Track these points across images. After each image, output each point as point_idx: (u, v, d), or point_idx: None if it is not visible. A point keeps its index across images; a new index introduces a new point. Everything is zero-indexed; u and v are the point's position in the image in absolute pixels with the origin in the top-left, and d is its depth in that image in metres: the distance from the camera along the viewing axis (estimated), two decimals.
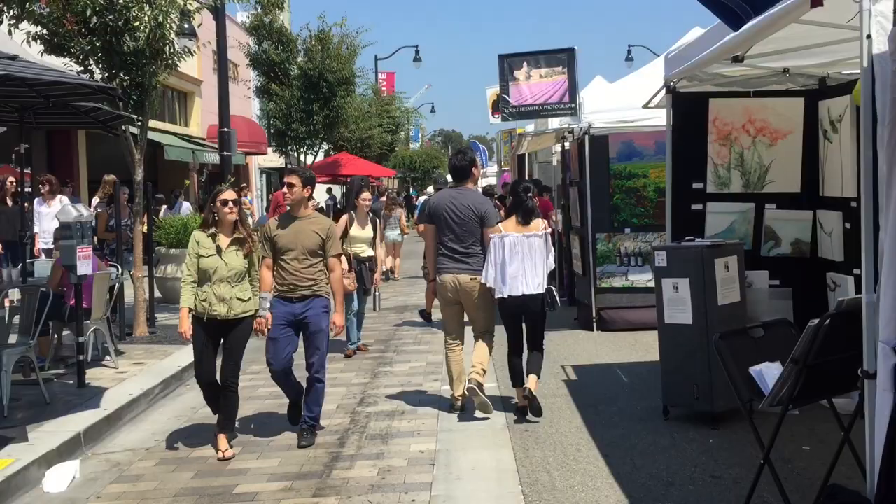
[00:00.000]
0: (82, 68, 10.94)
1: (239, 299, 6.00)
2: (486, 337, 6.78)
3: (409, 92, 57.34)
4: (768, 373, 4.14)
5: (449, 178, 28.94)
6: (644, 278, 10.47)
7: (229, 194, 6.04)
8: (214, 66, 16.89)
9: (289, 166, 5.53)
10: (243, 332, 6.10)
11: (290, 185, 6.16)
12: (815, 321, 3.79)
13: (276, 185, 29.64)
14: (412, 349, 9.93)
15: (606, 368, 8.45)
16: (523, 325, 6.77)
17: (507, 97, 10.26)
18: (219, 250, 5.96)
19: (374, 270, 9.63)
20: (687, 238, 6.51)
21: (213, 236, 6.00)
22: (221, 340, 6.13)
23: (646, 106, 7.65)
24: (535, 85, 10.10)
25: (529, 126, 16.25)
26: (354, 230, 9.27)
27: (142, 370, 8.47)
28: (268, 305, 6.10)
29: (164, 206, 17.07)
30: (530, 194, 6.66)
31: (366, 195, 9.43)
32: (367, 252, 9.45)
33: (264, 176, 35.04)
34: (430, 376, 8.42)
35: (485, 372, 6.63)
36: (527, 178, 17.96)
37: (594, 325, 10.51)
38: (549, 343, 9.79)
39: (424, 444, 6.22)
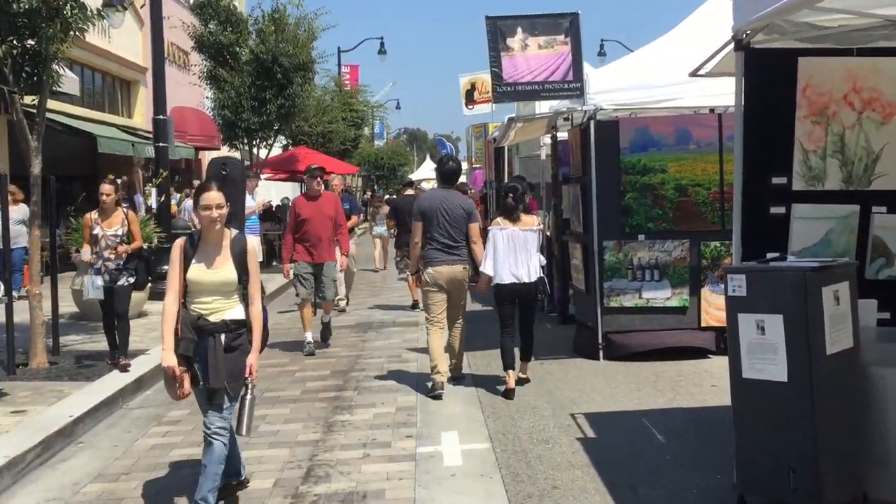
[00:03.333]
0: None
1: None
2: (462, 323, 7.73)
3: (373, 86, 55.73)
4: None
5: (412, 177, 28.77)
6: (662, 296, 8.56)
7: None
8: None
9: None
10: None
11: None
12: None
13: None
14: (378, 385, 7.90)
15: (631, 419, 6.49)
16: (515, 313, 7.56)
17: (498, 71, 8.08)
18: None
19: (244, 348, 4.58)
20: (771, 255, 4.57)
21: None
22: None
23: (694, 73, 5.67)
24: (533, 58, 7.99)
25: (512, 114, 14.14)
26: (194, 271, 4.57)
27: (19, 423, 6.37)
28: None
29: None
30: (511, 195, 7.50)
31: (212, 196, 4.55)
32: (222, 313, 4.58)
33: None
34: (400, 429, 6.42)
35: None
36: (506, 174, 15.99)
37: (600, 352, 8.56)
38: (551, 378, 7.89)
39: None
